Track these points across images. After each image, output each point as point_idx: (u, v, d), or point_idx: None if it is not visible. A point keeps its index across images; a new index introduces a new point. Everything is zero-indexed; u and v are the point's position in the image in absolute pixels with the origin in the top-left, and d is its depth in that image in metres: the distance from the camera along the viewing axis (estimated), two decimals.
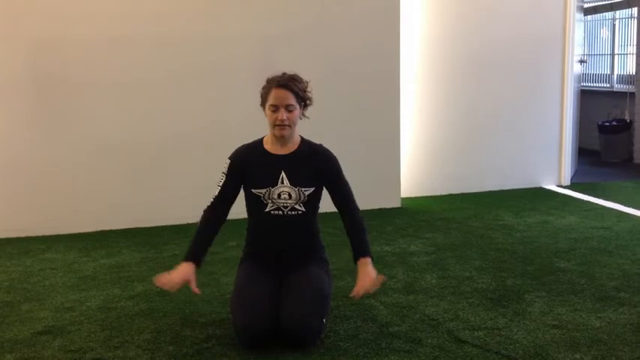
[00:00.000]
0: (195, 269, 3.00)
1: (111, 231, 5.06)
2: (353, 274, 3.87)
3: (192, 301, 3.50)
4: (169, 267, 4.06)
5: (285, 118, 2.97)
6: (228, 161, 3.11)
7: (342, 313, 3.27)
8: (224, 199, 3.06)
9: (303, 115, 3.09)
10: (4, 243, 4.75)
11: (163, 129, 5.17)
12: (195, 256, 3.03)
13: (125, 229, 5.08)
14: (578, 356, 2.75)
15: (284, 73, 3.04)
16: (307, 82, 3.08)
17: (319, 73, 5.25)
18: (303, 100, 3.05)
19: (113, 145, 5.08)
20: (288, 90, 2.98)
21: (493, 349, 2.83)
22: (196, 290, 2.96)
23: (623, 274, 3.79)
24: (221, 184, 3.08)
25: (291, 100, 2.98)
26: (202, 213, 3.09)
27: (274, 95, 2.98)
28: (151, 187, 5.19)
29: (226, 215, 3.11)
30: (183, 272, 2.97)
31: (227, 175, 3.09)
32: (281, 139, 3.05)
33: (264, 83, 3.06)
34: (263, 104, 3.06)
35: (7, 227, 4.90)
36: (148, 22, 5.07)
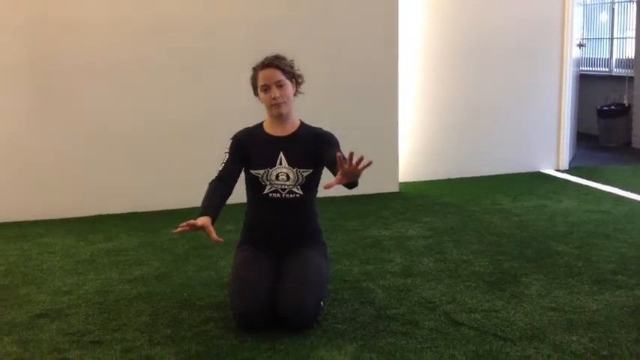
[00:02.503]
0: (212, 221, 2.86)
1: (108, 215, 5.06)
2: (350, 257, 3.90)
3: (190, 284, 3.51)
4: (167, 251, 4.11)
5: (277, 95, 2.99)
6: (231, 140, 3.12)
7: (340, 296, 3.27)
8: (227, 175, 3.04)
9: (298, 91, 3.10)
10: (2, 227, 4.75)
11: (161, 114, 5.15)
12: (209, 210, 2.89)
13: (123, 214, 5.08)
14: (574, 338, 2.76)
15: (266, 57, 3.05)
16: (292, 60, 3.08)
17: (318, 58, 5.25)
18: (293, 77, 3.06)
19: (111, 130, 5.07)
20: (273, 67, 3.00)
21: (490, 331, 2.84)
22: (217, 238, 2.79)
23: (621, 257, 3.80)
24: (224, 161, 3.08)
25: (280, 75, 3.00)
26: (208, 185, 3.03)
27: (262, 76, 3.01)
28: (148, 171, 5.19)
29: (231, 190, 3.04)
30: (202, 220, 2.81)
31: (230, 154, 3.09)
32: (279, 118, 3.06)
33: None
34: (255, 92, 3.08)
35: (4, 211, 4.90)
36: (146, 7, 5.04)
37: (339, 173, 2.66)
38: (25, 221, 4.90)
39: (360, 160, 2.60)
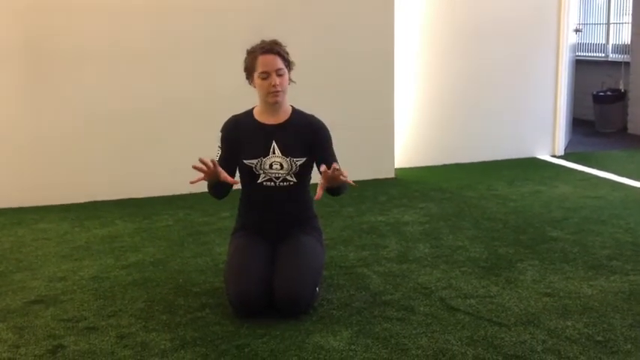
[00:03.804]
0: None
1: (104, 202, 5.05)
2: (346, 243, 3.90)
3: (186, 270, 3.51)
4: (163, 237, 4.10)
5: (277, 83, 2.94)
6: (220, 134, 3.10)
7: (336, 282, 3.28)
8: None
9: (290, 79, 3.06)
10: None
11: (156, 99, 5.13)
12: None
13: (118, 200, 5.07)
14: (569, 323, 2.76)
15: (263, 41, 3.01)
16: (286, 46, 3.04)
17: (313, 44, 5.23)
18: (289, 64, 3.03)
19: (106, 116, 5.04)
20: (275, 54, 2.96)
21: (485, 316, 2.85)
22: (233, 180, 2.92)
23: (616, 243, 3.80)
24: (217, 158, 3.08)
25: (280, 64, 2.96)
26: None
27: (262, 62, 2.95)
28: (143, 158, 5.17)
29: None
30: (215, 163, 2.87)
31: (222, 149, 3.09)
32: (275, 106, 3.02)
33: None
34: (250, 76, 3.03)
35: None
36: None
37: (321, 179, 2.78)
38: (20, 207, 4.89)
39: (341, 173, 2.74)
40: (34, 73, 4.89)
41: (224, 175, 2.88)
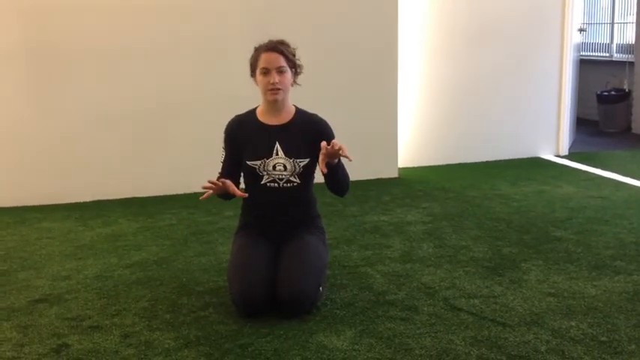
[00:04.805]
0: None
1: (107, 201, 5.05)
2: (350, 242, 3.90)
3: (189, 269, 3.51)
4: (166, 236, 4.11)
5: (277, 80, 2.95)
6: (224, 135, 3.10)
7: (339, 282, 3.28)
8: (229, 173, 3.03)
9: (295, 82, 3.06)
10: (1, 212, 4.74)
11: (159, 99, 5.13)
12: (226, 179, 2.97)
13: (121, 199, 5.07)
14: (573, 323, 2.76)
15: (270, 40, 3.02)
16: (295, 49, 3.05)
17: (315, 42, 5.22)
18: (294, 66, 3.03)
19: (109, 115, 5.05)
20: (277, 52, 2.97)
21: (489, 316, 2.85)
22: (241, 193, 2.93)
23: (620, 243, 3.80)
24: (222, 159, 3.09)
25: (282, 62, 2.96)
26: None
27: (264, 59, 2.96)
28: (146, 157, 5.17)
29: (237, 184, 3.04)
30: (223, 180, 2.91)
31: (226, 150, 3.10)
32: (274, 105, 3.02)
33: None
34: (253, 73, 3.04)
35: (3, 197, 4.89)
36: None
37: (321, 155, 2.83)
38: (24, 206, 4.90)
39: (340, 148, 2.77)
40: (37, 73, 4.90)
41: (232, 188, 2.91)
